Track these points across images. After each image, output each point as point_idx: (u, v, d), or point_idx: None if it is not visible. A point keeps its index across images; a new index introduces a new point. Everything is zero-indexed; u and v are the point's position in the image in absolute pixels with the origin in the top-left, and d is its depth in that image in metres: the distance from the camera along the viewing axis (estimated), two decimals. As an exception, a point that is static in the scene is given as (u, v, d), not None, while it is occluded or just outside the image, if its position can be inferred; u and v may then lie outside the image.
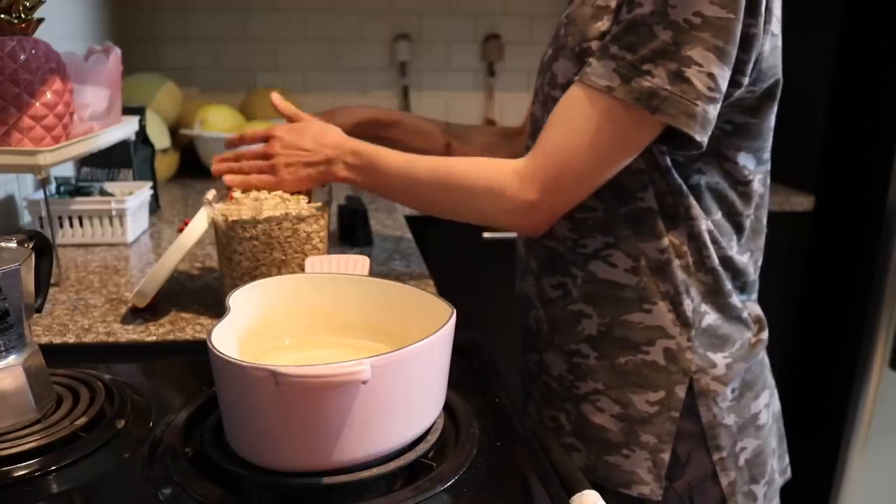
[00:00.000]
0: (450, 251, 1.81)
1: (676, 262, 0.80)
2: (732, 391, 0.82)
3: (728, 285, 0.82)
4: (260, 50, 2.21)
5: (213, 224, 0.90)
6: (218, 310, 0.95)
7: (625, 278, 0.81)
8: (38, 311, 0.69)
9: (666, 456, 0.81)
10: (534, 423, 0.90)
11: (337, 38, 2.24)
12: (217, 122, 1.88)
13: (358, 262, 0.75)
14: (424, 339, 0.55)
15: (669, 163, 0.78)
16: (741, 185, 0.81)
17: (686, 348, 0.80)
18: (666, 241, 0.80)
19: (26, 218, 1.37)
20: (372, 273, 0.74)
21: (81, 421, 0.63)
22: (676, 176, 0.79)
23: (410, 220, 1.64)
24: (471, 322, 0.80)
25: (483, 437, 0.63)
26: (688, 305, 0.80)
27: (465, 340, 0.80)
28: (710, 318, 0.81)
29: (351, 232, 1.28)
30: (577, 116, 0.74)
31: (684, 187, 0.79)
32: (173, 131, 1.89)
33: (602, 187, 0.79)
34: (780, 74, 0.78)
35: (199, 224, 0.89)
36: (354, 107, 1.19)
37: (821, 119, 1.92)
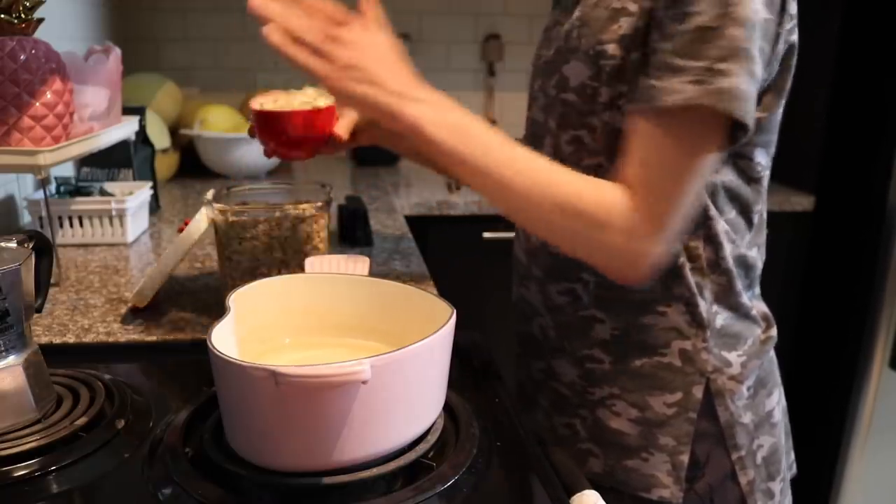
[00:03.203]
0: (450, 251, 1.81)
1: (690, 265, 0.79)
2: (748, 389, 0.82)
3: (739, 284, 0.82)
4: (260, 50, 2.21)
5: (213, 224, 0.90)
6: (218, 310, 0.95)
7: None
8: (38, 311, 0.69)
9: (685, 458, 0.81)
10: (543, 430, 0.90)
11: (337, 38, 2.24)
12: (217, 122, 1.88)
13: (358, 262, 0.75)
14: (424, 339, 0.55)
15: None
16: (753, 181, 0.80)
17: (702, 349, 0.80)
18: (679, 245, 0.78)
19: (26, 218, 1.37)
20: (372, 273, 0.75)
21: (81, 421, 0.63)
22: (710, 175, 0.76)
23: (410, 220, 1.65)
24: (471, 322, 0.80)
25: (483, 437, 0.63)
26: (702, 306, 0.79)
27: (465, 340, 0.80)
28: (723, 317, 0.81)
29: (351, 232, 1.28)
30: (670, 148, 0.68)
31: (717, 188, 0.77)
32: (173, 131, 1.89)
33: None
34: (792, 66, 0.77)
35: (199, 224, 0.89)
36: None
37: (821, 119, 1.92)
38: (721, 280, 0.80)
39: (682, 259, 0.79)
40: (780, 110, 0.80)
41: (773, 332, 0.86)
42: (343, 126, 0.89)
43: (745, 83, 0.66)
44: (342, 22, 0.71)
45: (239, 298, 0.65)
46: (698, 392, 0.80)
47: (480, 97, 2.32)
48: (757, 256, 0.84)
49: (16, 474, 0.57)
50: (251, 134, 0.91)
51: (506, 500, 0.59)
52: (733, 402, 0.81)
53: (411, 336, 0.57)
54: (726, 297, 0.81)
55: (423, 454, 0.59)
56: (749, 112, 0.67)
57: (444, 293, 0.81)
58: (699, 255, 0.79)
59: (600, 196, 0.69)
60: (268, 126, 0.88)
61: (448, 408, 0.65)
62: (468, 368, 0.78)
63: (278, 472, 0.55)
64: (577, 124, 0.78)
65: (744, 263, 0.82)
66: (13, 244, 0.65)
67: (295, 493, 0.55)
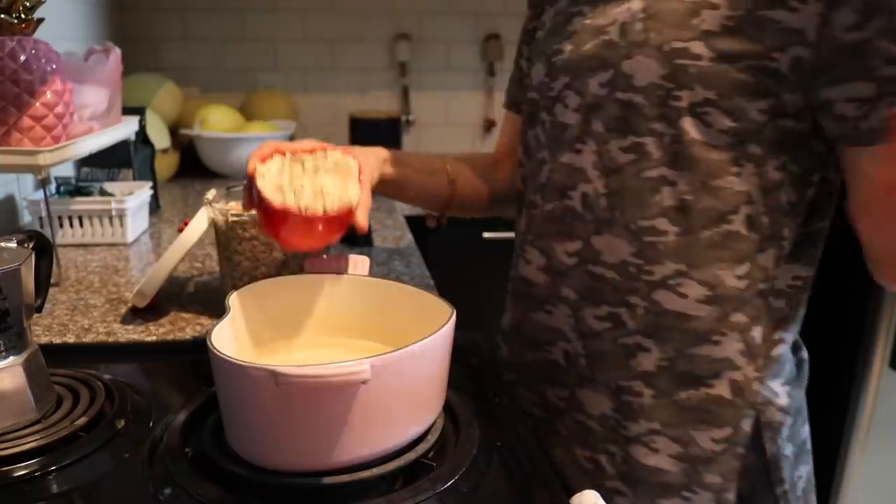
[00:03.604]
0: (450, 251, 1.81)
1: (756, 289, 0.72)
2: (792, 419, 0.77)
3: (798, 309, 0.76)
4: (260, 50, 2.21)
5: (213, 224, 0.90)
6: (218, 310, 0.95)
7: (695, 309, 0.71)
8: (38, 311, 0.69)
9: (731, 495, 0.75)
10: (561, 460, 0.84)
11: (337, 38, 2.24)
12: (217, 122, 1.88)
13: (358, 262, 0.75)
14: (424, 339, 0.55)
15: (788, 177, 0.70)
16: (828, 192, 0.73)
17: (753, 379, 0.73)
18: (747, 267, 0.71)
19: (26, 218, 1.37)
20: (372, 273, 0.74)
21: (81, 421, 0.63)
22: (784, 192, 0.70)
23: (410, 220, 1.65)
24: (471, 322, 0.80)
25: (483, 437, 0.63)
26: (757, 333, 0.73)
27: (465, 340, 0.80)
28: (780, 345, 0.75)
29: (351, 232, 1.28)
30: None
31: (785, 204, 0.70)
32: (173, 131, 1.89)
33: (683, 208, 0.70)
34: None
35: (199, 224, 0.89)
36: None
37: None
38: (780, 304, 0.74)
39: (751, 280, 0.71)
40: None
41: (805, 353, 0.81)
42: (362, 215, 0.74)
43: None
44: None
45: (239, 298, 0.65)
46: (747, 426, 0.74)
47: (480, 97, 2.32)
48: (810, 276, 0.77)
49: (16, 474, 0.57)
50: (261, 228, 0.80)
51: (506, 500, 0.59)
52: (780, 435, 0.75)
53: (411, 336, 0.57)
54: (785, 323, 0.75)
55: (423, 454, 0.59)
56: None
57: (444, 293, 0.81)
58: (769, 276, 0.72)
59: None
60: (288, 223, 0.70)
61: (448, 408, 0.65)
62: (468, 368, 0.77)
63: (278, 472, 0.55)
64: (642, 130, 0.69)
65: (805, 285, 0.76)
66: (13, 244, 0.65)
67: (295, 493, 0.55)
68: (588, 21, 0.74)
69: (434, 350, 0.57)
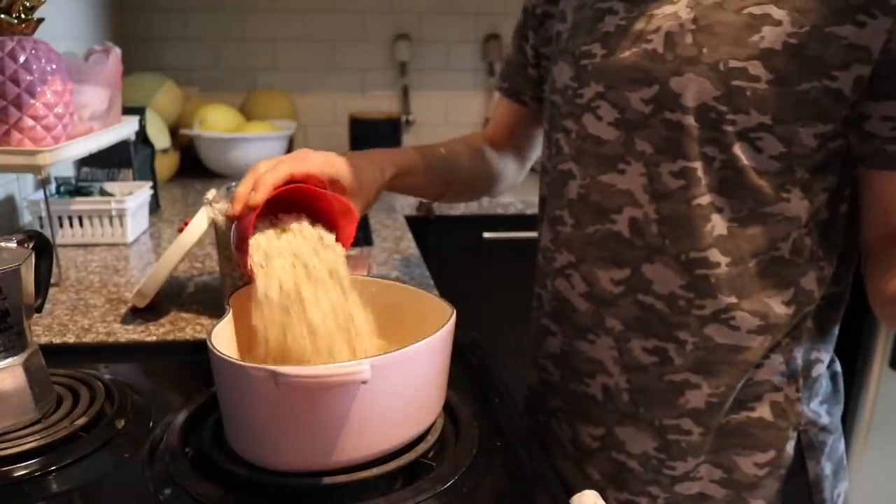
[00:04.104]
0: (450, 251, 1.81)
1: (802, 313, 0.69)
2: (832, 438, 0.75)
3: (833, 327, 0.74)
4: (259, 50, 2.21)
5: (213, 224, 0.90)
6: (218, 310, 0.95)
7: (747, 340, 0.68)
8: (38, 311, 0.69)
9: None
10: (541, 431, 0.83)
11: (337, 38, 2.24)
12: (217, 122, 1.88)
13: (358, 262, 0.74)
14: (424, 339, 0.55)
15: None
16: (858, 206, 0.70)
17: (795, 399, 0.71)
18: (792, 292, 0.68)
19: (26, 218, 1.37)
20: (372, 273, 0.74)
21: (81, 421, 0.63)
22: (826, 211, 0.67)
23: (410, 220, 1.65)
24: (471, 322, 0.80)
25: (483, 437, 0.63)
26: (798, 354, 0.70)
27: (465, 340, 0.80)
28: (818, 365, 0.73)
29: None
30: None
31: (825, 222, 0.68)
32: (173, 131, 1.89)
33: (733, 237, 0.66)
34: None
35: (199, 224, 0.89)
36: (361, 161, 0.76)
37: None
38: (821, 321, 0.71)
39: (799, 304, 0.68)
40: None
41: (838, 366, 0.78)
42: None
43: None
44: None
45: (239, 298, 0.65)
46: (790, 448, 0.71)
47: (480, 97, 2.32)
48: (845, 290, 0.74)
49: (16, 474, 0.57)
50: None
51: (506, 500, 0.59)
52: (823, 454, 0.73)
53: (411, 336, 0.57)
54: (825, 341, 0.73)
55: (423, 454, 0.59)
56: None
57: (444, 293, 0.81)
58: (813, 298, 0.69)
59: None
60: None
61: (448, 408, 0.65)
62: (468, 368, 0.77)
63: (278, 472, 0.55)
64: (693, 154, 0.64)
65: (839, 301, 0.73)
66: (13, 244, 0.65)
67: (295, 493, 0.55)
68: (624, 23, 0.68)
69: (434, 350, 0.57)
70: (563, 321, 0.77)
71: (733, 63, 0.61)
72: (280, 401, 0.52)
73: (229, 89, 2.19)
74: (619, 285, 0.70)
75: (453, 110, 2.31)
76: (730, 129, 0.62)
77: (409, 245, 1.32)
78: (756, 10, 0.60)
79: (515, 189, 1.19)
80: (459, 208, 1.80)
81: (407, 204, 1.78)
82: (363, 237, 1.28)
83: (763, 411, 0.71)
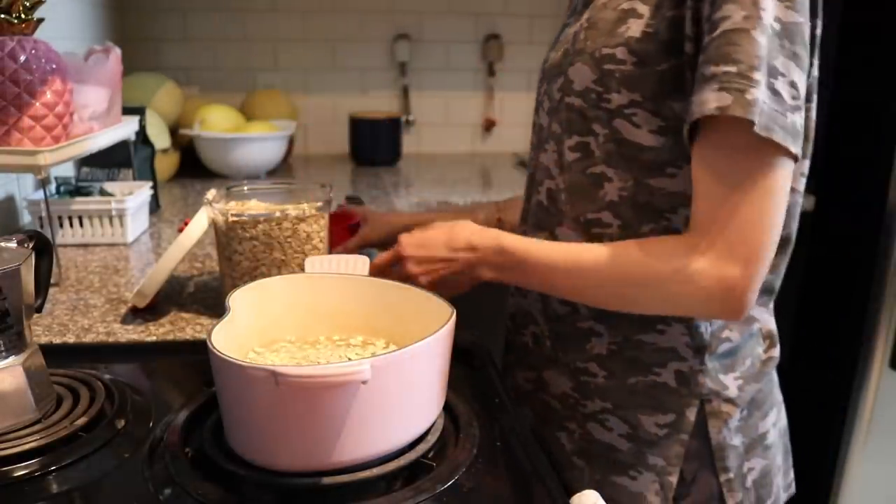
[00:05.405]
0: (450, 251, 1.81)
1: None
2: (741, 411, 0.80)
3: (762, 311, 0.79)
4: (259, 50, 2.21)
5: (213, 224, 0.90)
6: (218, 310, 0.95)
7: None
8: (38, 311, 0.69)
9: (674, 479, 0.79)
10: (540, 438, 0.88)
11: (337, 38, 2.24)
12: (217, 122, 1.88)
13: (358, 262, 0.75)
14: (424, 339, 0.56)
15: None
16: (793, 190, 0.74)
17: (698, 371, 0.77)
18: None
19: (26, 218, 1.37)
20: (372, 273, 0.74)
21: (81, 421, 0.63)
22: None
23: (410, 220, 1.64)
24: (471, 322, 0.80)
25: (483, 437, 0.63)
26: (704, 328, 0.76)
27: (465, 340, 0.80)
28: (725, 339, 0.78)
29: (351, 232, 1.28)
30: (720, 167, 0.65)
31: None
32: (173, 131, 1.89)
33: (623, 204, 0.74)
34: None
35: (199, 224, 0.89)
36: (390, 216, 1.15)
37: (821, 119, 1.91)
38: None
39: None
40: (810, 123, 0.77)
41: (776, 352, 0.83)
42: None
43: (763, 93, 0.61)
44: (398, 257, 0.85)
45: (239, 298, 0.65)
46: (692, 414, 0.78)
47: (480, 97, 2.32)
48: (775, 278, 0.80)
49: (16, 474, 0.57)
50: None
51: (506, 500, 0.59)
52: (726, 425, 0.78)
53: (411, 336, 0.57)
54: (738, 322, 0.78)
55: (423, 454, 0.59)
56: (780, 124, 0.62)
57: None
58: None
59: (671, 257, 0.67)
60: None
61: (448, 408, 0.65)
62: (468, 368, 0.78)
63: (278, 472, 0.55)
64: (583, 130, 0.76)
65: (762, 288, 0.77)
66: (13, 244, 0.65)
67: (295, 493, 0.55)
68: (565, 31, 0.82)
69: (434, 350, 0.57)
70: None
71: (605, 50, 0.72)
72: (280, 401, 0.52)
73: (229, 89, 2.19)
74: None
75: (453, 110, 2.31)
76: (608, 106, 0.73)
77: (409, 245, 1.31)
78: (626, 5, 0.71)
79: (513, 186, 1.19)
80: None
81: (407, 204, 1.78)
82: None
83: (667, 378, 0.78)
